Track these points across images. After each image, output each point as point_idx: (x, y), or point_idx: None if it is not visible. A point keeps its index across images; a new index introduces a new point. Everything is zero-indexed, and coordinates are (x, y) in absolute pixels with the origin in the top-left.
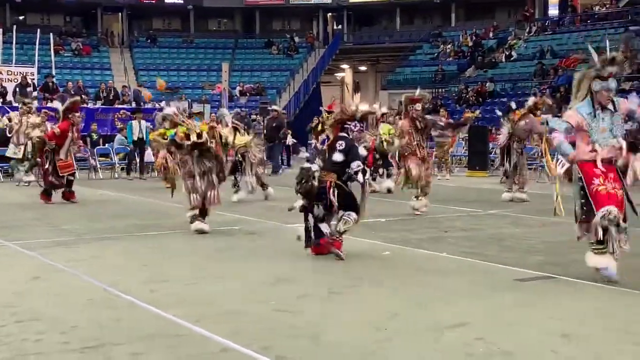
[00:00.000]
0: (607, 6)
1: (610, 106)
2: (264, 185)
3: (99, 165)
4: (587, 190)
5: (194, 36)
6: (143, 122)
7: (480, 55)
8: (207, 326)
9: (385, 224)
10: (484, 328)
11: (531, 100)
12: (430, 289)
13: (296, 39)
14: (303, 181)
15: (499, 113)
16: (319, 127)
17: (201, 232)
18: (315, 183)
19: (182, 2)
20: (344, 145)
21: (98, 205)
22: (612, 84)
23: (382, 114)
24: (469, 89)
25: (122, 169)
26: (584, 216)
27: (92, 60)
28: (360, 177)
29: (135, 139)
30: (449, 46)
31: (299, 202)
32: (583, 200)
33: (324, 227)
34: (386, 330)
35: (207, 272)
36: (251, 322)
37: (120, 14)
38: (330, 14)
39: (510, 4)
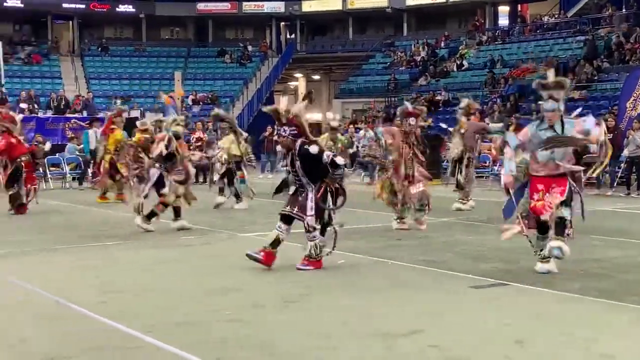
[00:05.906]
0: (556, 16)
1: (557, 126)
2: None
3: (49, 175)
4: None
5: (146, 45)
6: (99, 131)
7: (432, 64)
8: (159, 337)
9: (341, 232)
10: (438, 335)
11: (463, 103)
12: (384, 297)
13: (249, 48)
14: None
15: (444, 126)
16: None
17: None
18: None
19: (134, 10)
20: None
21: (48, 216)
22: (549, 104)
23: (332, 128)
24: (421, 98)
25: (74, 178)
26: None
27: (42, 69)
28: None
29: (92, 148)
30: (402, 55)
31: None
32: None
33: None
34: (339, 339)
35: (159, 282)
36: (204, 333)
37: (70, 22)
38: (283, 23)
39: (461, 14)
